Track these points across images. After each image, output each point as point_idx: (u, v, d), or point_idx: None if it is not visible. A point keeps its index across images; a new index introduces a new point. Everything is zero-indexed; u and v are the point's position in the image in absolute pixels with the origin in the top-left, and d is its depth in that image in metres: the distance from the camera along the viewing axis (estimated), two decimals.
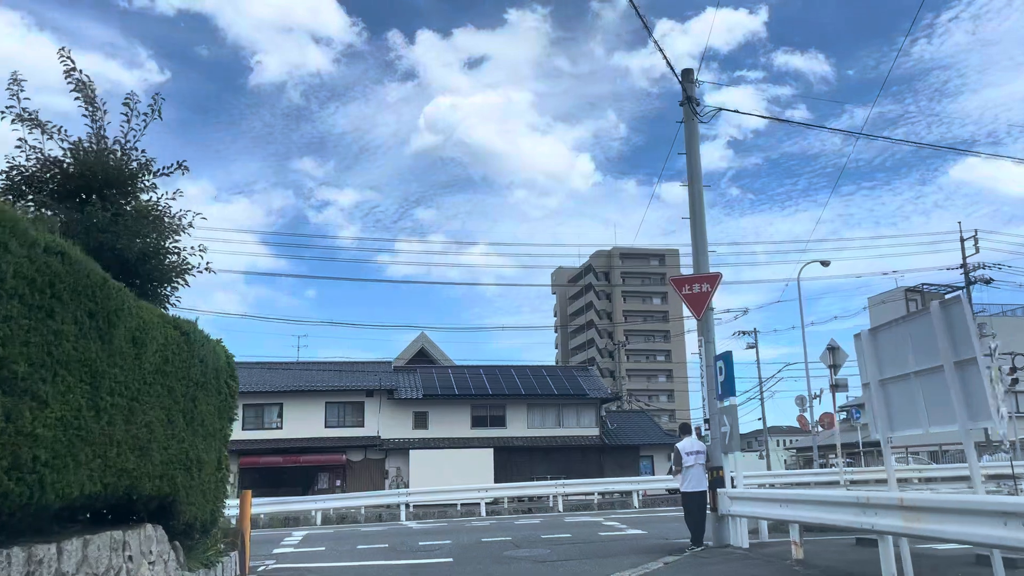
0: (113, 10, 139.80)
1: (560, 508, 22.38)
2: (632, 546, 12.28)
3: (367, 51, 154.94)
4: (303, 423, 40.73)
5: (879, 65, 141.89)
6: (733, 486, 11.13)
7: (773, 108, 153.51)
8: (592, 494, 23.91)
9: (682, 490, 11.44)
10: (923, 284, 53.60)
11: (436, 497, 22.68)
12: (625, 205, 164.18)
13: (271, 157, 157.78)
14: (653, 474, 42.89)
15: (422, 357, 50.63)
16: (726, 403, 11.34)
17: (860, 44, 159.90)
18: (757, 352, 59.35)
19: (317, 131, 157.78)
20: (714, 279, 11.91)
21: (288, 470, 39.37)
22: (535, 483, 23.71)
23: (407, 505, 21.23)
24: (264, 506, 20.50)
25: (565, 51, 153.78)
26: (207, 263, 8.60)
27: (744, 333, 59.40)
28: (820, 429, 35.68)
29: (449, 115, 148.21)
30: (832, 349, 14.19)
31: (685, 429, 11.95)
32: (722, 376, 11.30)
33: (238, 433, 41.32)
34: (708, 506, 11.29)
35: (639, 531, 14.30)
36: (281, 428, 40.82)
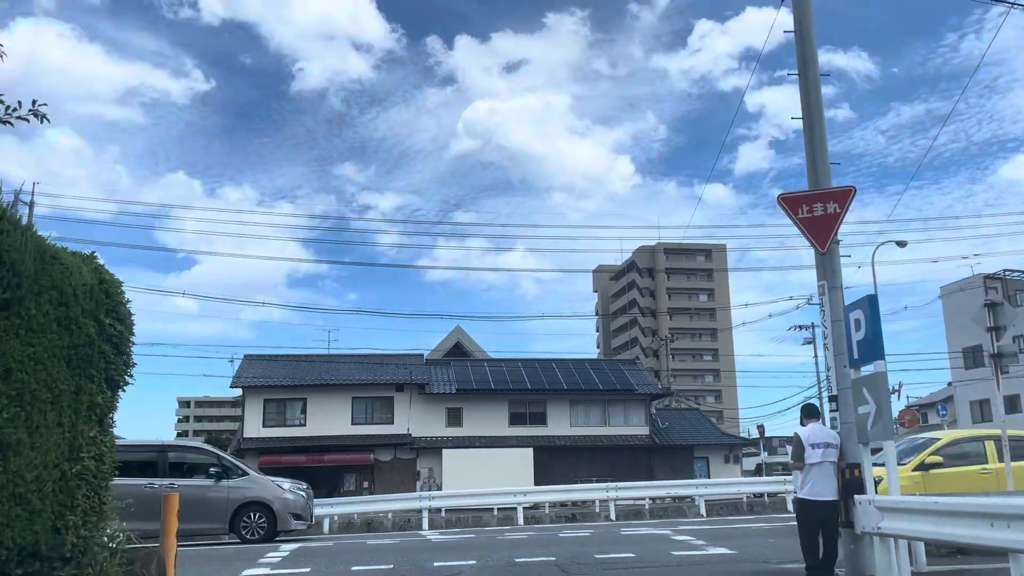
0: (160, 21, 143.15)
1: (612, 516, 18.92)
2: (725, 573, 8.85)
3: (407, 57, 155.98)
4: (328, 420, 37.79)
5: (926, 62, 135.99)
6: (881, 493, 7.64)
7: None
8: (645, 499, 20.33)
9: (800, 495, 7.96)
10: (1004, 270, 48.92)
11: (465, 501, 19.28)
12: (665, 207, 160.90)
13: (313, 162, 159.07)
14: (708, 476, 39.20)
15: (457, 352, 47.46)
16: (866, 372, 7.81)
17: (905, 41, 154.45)
18: (816, 348, 55.37)
19: (358, 136, 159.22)
20: (845, 196, 8.38)
21: (312, 471, 36.34)
22: (582, 486, 20.19)
23: (430, 511, 17.87)
24: None
25: (604, 53, 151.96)
26: None
27: (802, 328, 55.38)
28: (899, 428, 31.63)
29: (488, 119, 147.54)
30: (993, 305, 10.51)
31: (810, 412, 8.32)
32: (859, 333, 7.78)
33: (258, 430, 38.70)
34: (840, 520, 7.81)
35: (724, 549, 10.82)
36: (304, 425, 37.93)
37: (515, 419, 38.84)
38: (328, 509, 17.74)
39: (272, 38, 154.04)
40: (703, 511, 18.71)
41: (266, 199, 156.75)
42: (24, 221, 4.42)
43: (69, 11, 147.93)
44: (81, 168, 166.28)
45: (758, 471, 41.28)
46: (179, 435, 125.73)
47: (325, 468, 36.54)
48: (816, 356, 55.63)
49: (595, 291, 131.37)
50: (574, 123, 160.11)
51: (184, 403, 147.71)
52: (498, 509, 20.18)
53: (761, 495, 19.56)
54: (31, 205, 34.28)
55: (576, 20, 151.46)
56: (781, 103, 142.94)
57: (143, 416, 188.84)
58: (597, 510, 19.82)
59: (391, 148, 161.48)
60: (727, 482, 19.91)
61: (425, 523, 17.87)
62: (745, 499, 19.27)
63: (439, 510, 19.60)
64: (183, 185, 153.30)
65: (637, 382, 40.51)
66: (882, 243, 35.32)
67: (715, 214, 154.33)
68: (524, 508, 19.52)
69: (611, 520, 18.73)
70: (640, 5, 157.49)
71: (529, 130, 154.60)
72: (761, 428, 42.33)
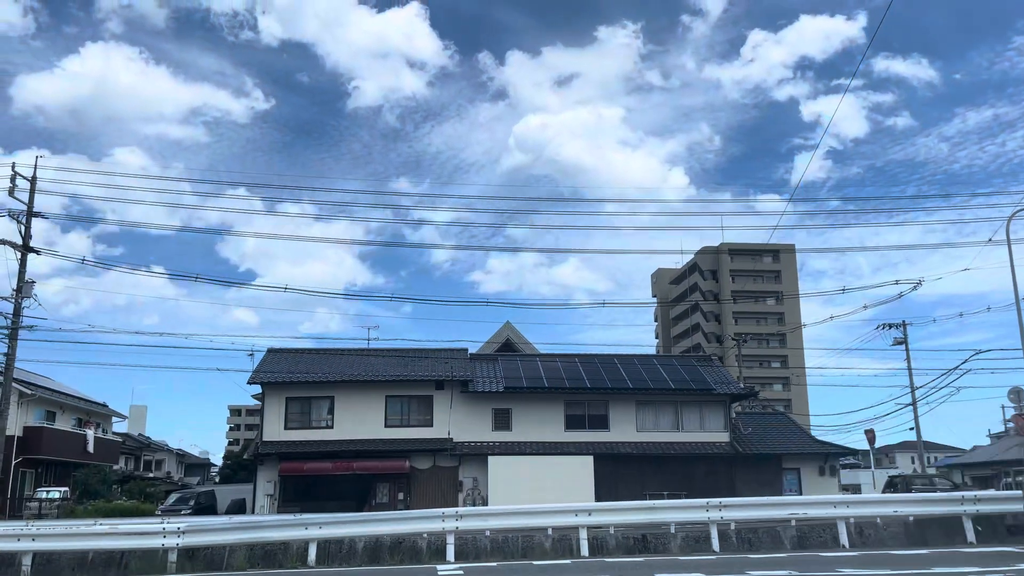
0: (222, 43, 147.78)
1: (715, 544, 13.53)
2: None
3: (459, 73, 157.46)
4: (358, 421, 33.06)
5: (992, 66, 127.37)
6: None
7: (875, 116, 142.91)
8: (771, 521, 14.55)
9: None
10: None
11: (507, 522, 13.92)
12: (718, 219, 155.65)
13: (369, 177, 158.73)
14: (800, 491, 33.26)
15: (507, 351, 42.42)
16: None
17: (967, 46, 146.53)
18: (907, 348, 48.77)
19: (413, 150, 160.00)
20: None
21: (340, 480, 31.71)
22: (671, 502, 14.69)
23: (458, 534, 12.63)
24: (223, 533, 12.45)
25: (656, 65, 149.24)
26: None
27: (891, 327, 48.88)
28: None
29: (539, 133, 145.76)
30: None
31: None
32: None
33: (279, 433, 33.91)
34: None
35: None
36: (331, 427, 33.24)
37: (572, 422, 33.56)
38: (312, 532, 12.66)
39: (328, 57, 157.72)
40: (845, 539, 13.29)
41: (324, 213, 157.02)
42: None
43: (137, 34, 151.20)
44: (147, 185, 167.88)
45: (892, 486, 34.90)
46: (230, 444, 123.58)
47: (354, 477, 31.81)
48: (908, 358, 49.37)
49: (654, 296, 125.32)
50: (627, 135, 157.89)
51: (235, 411, 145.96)
52: (552, 529, 15.05)
53: (925, 518, 13.93)
54: (33, 180, 30.70)
55: (628, 33, 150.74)
56: (839, 111, 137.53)
57: (199, 426, 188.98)
58: (672, 534, 14.53)
59: (445, 162, 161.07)
60: (879, 499, 14.40)
61: (450, 552, 12.86)
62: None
63: (483, 532, 14.48)
64: (244, 201, 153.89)
65: (715, 380, 34.87)
66: (1020, 209, 29.24)
67: (772, 222, 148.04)
68: (587, 529, 14.35)
69: (714, 551, 13.48)
70: (692, 16, 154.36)
71: (581, 143, 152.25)
72: (871, 434, 36.15)
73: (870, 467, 43.34)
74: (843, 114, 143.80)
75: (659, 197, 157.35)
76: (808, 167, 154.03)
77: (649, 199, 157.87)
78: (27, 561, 11.84)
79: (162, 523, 12.80)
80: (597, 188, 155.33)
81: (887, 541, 13.94)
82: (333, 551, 14.51)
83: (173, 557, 12.16)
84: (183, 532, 12.03)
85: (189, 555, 12.19)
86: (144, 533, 12.27)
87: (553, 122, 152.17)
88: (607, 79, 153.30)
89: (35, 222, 29.57)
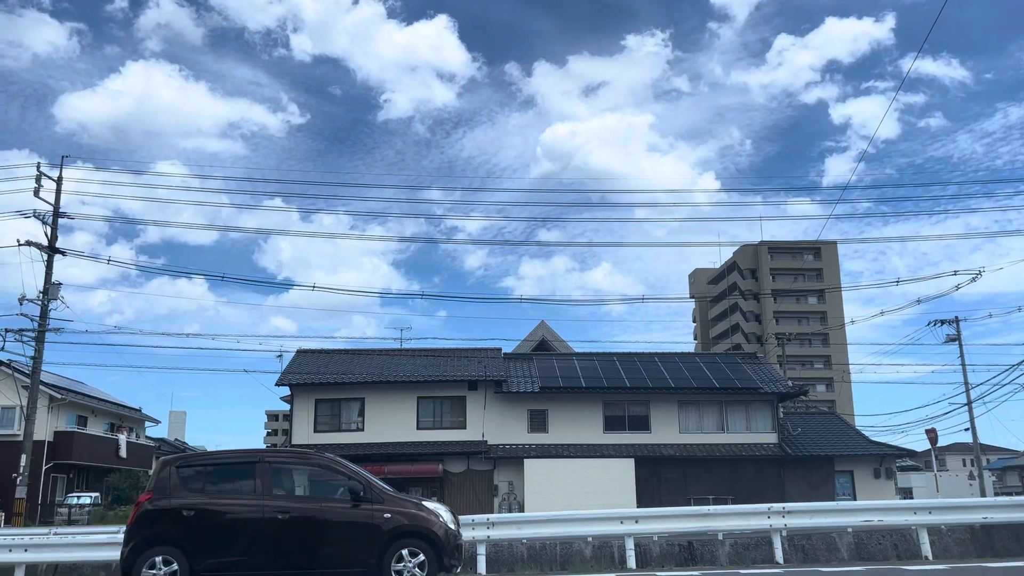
0: (257, 60, 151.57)
1: (778, 555, 12.05)
2: None
3: (488, 84, 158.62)
4: (389, 424, 32.00)
5: None
6: None
7: (907, 118, 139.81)
8: (834, 529, 12.90)
9: None
10: None
11: (541, 531, 12.58)
12: (751, 222, 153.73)
13: (403, 185, 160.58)
14: (853, 495, 31.50)
15: (542, 351, 41.12)
16: None
17: (1000, 45, 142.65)
18: (961, 346, 46.49)
19: (445, 157, 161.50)
20: None
21: None
22: (726, 508, 13.22)
23: (489, 543, 11.35)
24: None
25: (684, 71, 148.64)
26: None
27: (943, 323, 46.64)
28: None
29: (567, 142, 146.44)
30: None
31: None
32: None
33: (308, 436, 32.97)
34: None
35: None
36: (362, 430, 32.25)
37: (611, 423, 32.16)
38: None
39: (359, 71, 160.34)
40: (928, 550, 11.75)
41: (359, 222, 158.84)
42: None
43: (177, 50, 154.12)
44: (186, 197, 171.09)
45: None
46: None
47: (386, 481, 30.67)
48: (962, 355, 47.07)
49: (692, 296, 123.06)
50: (656, 141, 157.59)
51: (272, 416, 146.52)
52: (592, 537, 13.73)
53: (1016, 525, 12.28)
54: (59, 180, 30.22)
55: (657, 41, 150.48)
56: (869, 113, 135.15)
57: (239, 431, 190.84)
58: (721, 538, 13.13)
59: (476, 169, 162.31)
60: (963, 504, 12.79)
61: (481, 562, 11.60)
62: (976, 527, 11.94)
63: (518, 540, 13.21)
64: (280, 211, 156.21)
65: (761, 379, 33.22)
66: None
67: (805, 226, 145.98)
68: (633, 538, 13.01)
69: (778, 563, 12.05)
70: (719, 23, 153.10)
71: (610, 150, 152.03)
72: (932, 434, 34.15)
73: (932, 470, 41.19)
74: (875, 114, 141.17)
75: (691, 201, 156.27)
76: (857, 167, 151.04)
77: (682, 203, 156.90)
78: (20, 573, 10.90)
79: None
80: (627, 194, 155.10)
81: (972, 549, 12.37)
82: None
83: None
84: None
85: None
86: None
87: (582, 129, 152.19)
88: (635, 86, 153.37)
89: (78, 236, 29.29)
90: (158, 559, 9.26)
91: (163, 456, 10.74)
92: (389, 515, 9.53)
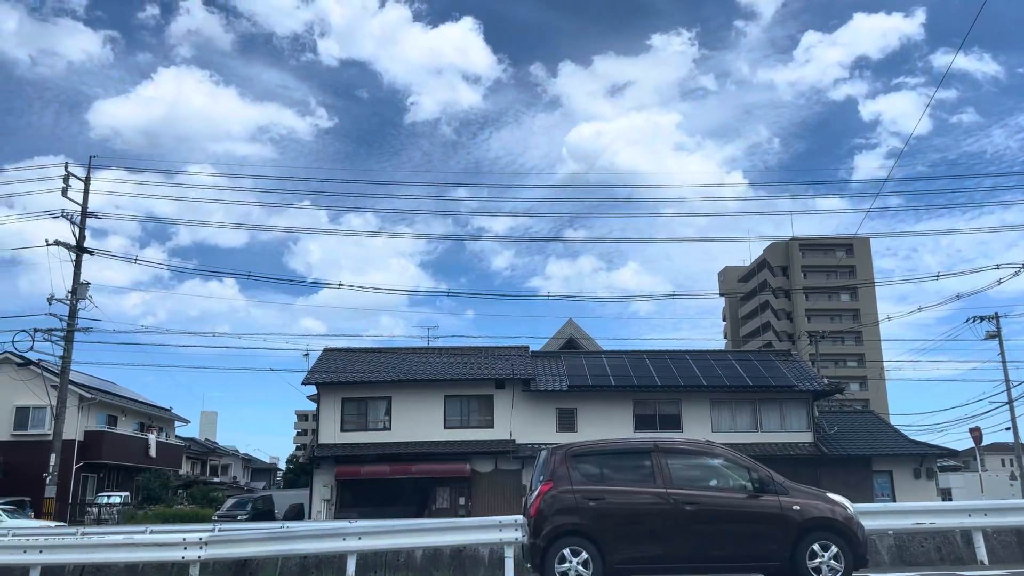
0: (285, 65, 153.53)
1: None
2: None
3: (513, 85, 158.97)
4: (416, 423, 31.67)
5: None
6: None
7: (938, 113, 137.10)
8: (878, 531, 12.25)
9: None
10: None
11: None
12: (780, 219, 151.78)
13: (430, 185, 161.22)
14: (892, 496, 30.58)
15: (570, 349, 40.63)
16: None
17: None
18: (1001, 342, 45.16)
19: (471, 159, 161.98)
20: None
21: (397, 483, 30.39)
22: None
23: (514, 548, 10.95)
24: (250, 544, 10.96)
25: (710, 69, 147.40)
26: None
27: (983, 319, 45.35)
28: None
29: (593, 142, 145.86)
30: None
31: None
32: None
33: (334, 435, 32.62)
34: None
35: None
36: (389, 429, 31.95)
37: (641, 422, 31.51)
38: (337, 544, 11.05)
39: (386, 74, 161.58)
40: (984, 554, 11.09)
41: (386, 223, 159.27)
42: None
43: (207, 56, 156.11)
44: (217, 200, 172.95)
45: None
46: (296, 448, 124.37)
47: (413, 480, 30.45)
48: (1003, 352, 45.75)
49: (721, 295, 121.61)
50: (683, 140, 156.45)
51: (302, 416, 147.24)
52: None
53: None
54: (87, 180, 30.30)
55: (683, 40, 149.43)
56: (900, 110, 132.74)
57: (271, 431, 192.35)
58: None
59: (503, 169, 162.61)
60: (1019, 506, 12.07)
61: (509, 566, 11.14)
62: None
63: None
64: (309, 214, 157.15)
65: (795, 376, 32.41)
66: None
67: (835, 222, 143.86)
68: None
69: None
70: (746, 21, 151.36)
71: (636, 149, 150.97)
72: (977, 432, 33.10)
73: (971, 470, 40.06)
74: (905, 111, 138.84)
75: (719, 198, 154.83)
76: (895, 166, 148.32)
77: (710, 198, 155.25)
78: (35, 575, 10.64)
79: (183, 533, 11.47)
80: (655, 192, 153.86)
81: (1017, 555, 11.64)
82: (388, 560, 13.01)
83: (195, 571, 10.79)
84: (205, 543, 10.66)
85: (212, 568, 10.81)
86: (163, 544, 10.93)
87: (608, 129, 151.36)
88: (661, 85, 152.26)
89: (112, 239, 29.23)
90: (566, 551, 8.69)
91: (550, 447, 9.95)
92: (798, 507, 8.86)
